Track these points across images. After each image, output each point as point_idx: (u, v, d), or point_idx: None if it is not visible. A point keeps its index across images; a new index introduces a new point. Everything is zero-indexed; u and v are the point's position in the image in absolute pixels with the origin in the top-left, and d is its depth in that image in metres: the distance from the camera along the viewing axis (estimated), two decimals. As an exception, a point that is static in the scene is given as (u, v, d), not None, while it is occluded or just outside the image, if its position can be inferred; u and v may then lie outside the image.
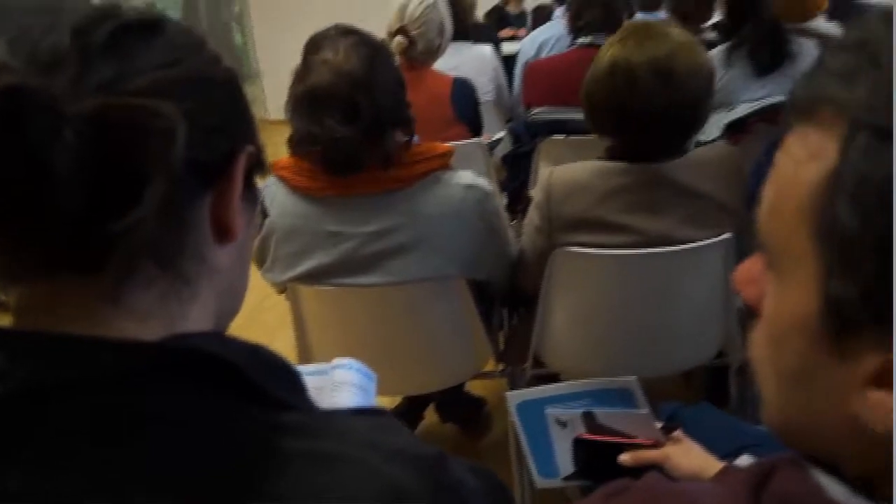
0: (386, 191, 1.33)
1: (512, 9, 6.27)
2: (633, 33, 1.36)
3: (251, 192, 0.54)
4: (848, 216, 0.34)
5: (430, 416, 2.17)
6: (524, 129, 2.67)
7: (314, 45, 1.32)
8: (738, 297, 1.59)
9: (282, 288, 1.47)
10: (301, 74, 1.30)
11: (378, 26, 2.43)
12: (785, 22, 2.97)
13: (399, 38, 2.33)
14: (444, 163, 1.38)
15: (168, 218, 0.43)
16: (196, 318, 0.48)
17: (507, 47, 5.05)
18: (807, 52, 2.33)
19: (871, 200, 0.33)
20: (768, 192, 0.41)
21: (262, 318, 2.50)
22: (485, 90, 3.10)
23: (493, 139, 2.72)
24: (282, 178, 1.36)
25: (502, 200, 2.76)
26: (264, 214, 0.58)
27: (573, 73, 2.35)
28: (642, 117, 1.31)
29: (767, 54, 2.26)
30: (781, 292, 0.40)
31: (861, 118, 0.34)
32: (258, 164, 0.54)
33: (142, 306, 0.45)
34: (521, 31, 6.04)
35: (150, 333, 0.44)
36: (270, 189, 1.37)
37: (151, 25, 0.46)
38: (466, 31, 3.15)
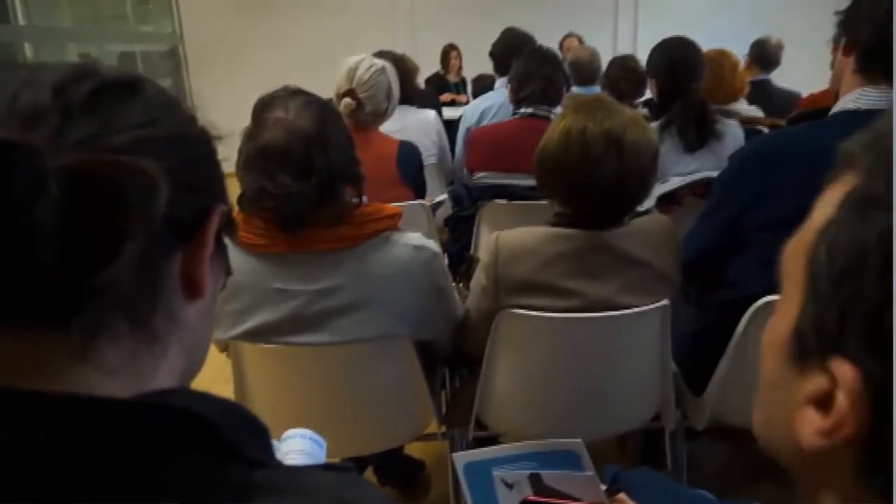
0: (335, 249, 1.33)
1: (451, 77, 6.47)
2: (585, 105, 1.44)
3: (221, 250, 0.55)
4: (821, 260, 0.40)
5: (369, 478, 2.12)
6: (465, 193, 2.73)
7: (264, 105, 1.34)
8: (672, 361, 1.64)
9: (223, 346, 1.44)
10: (252, 133, 1.31)
11: (320, 85, 2.47)
12: (711, 103, 3.20)
13: (347, 100, 2.38)
14: (392, 223, 1.40)
15: (142, 274, 0.43)
16: (164, 374, 0.48)
17: (448, 112, 5.21)
18: (731, 132, 2.49)
19: (839, 255, 0.39)
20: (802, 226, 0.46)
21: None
22: (428, 153, 3.17)
23: (436, 201, 2.77)
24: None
25: (444, 262, 2.80)
26: (229, 272, 0.58)
27: (514, 142, 2.46)
28: (594, 185, 1.37)
29: (694, 133, 2.41)
30: (780, 309, 0.45)
31: (860, 183, 0.39)
32: (229, 223, 0.54)
33: (112, 362, 0.44)
34: (462, 97, 6.24)
35: (119, 390, 0.43)
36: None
37: (130, 85, 0.47)
38: (411, 95, 3.22)
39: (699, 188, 2.36)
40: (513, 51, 3.18)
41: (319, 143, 1.28)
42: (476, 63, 5.65)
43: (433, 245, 1.44)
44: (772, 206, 1.43)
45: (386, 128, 2.64)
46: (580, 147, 1.37)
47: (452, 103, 6.13)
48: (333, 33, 7.65)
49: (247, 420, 0.47)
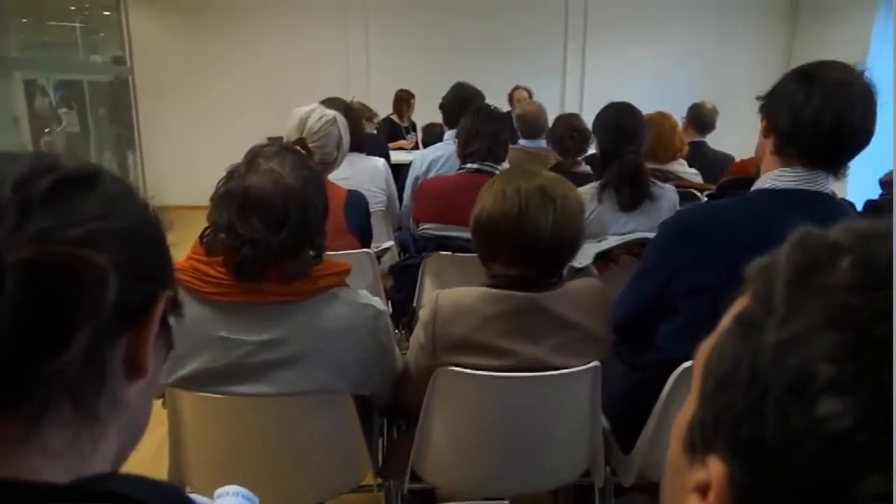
0: (284, 302, 1.36)
1: (404, 122, 6.59)
2: (512, 171, 1.54)
3: (165, 331, 0.57)
4: (710, 365, 0.44)
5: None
6: (412, 240, 2.79)
7: (263, 153, 1.39)
8: (602, 419, 1.71)
9: (159, 392, 1.44)
10: (241, 173, 1.35)
11: (272, 125, 2.51)
12: (651, 162, 3.36)
13: (297, 149, 2.42)
14: (341, 280, 1.44)
15: (89, 360, 0.46)
16: (103, 454, 0.50)
17: (396, 156, 5.29)
18: (667, 195, 2.63)
19: (720, 365, 0.43)
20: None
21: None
22: (376, 200, 3.23)
23: (381, 248, 2.81)
24: (178, 281, 1.35)
25: (388, 309, 2.83)
26: (170, 346, 0.61)
27: (460, 196, 2.53)
28: (533, 238, 1.44)
29: (629, 193, 2.53)
30: (687, 399, 0.49)
31: (748, 305, 0.44)
32: (174, 306, 0.57)
33: (54, 445, 0.46)
34: (409, 141, 6.35)
35: (60, 472, 0.46)
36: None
37: (89, 177, 0.50)
38: (360, 142, 3.28)
39: (634, 248, 2.47)
40: (462, 105, 3.30)
41: (300, 204, 1.33)
42: (427, 109, 5.78)
43: (378, 303, 1.48)
44: (695, 274, 1.52)
45: (335, 175, 2.68)
46: (517, 203, 1.45)
47: (400, 149, 6.24)
48: (288, 72, 7.71)
49: (177, 499, 0.49)
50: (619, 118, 2.64)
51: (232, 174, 1.35)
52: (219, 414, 1.42)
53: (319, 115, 2.55)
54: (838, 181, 1.56)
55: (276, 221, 1.31)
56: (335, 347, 1.39)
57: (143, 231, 0.53)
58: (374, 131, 5.24)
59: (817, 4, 7.10)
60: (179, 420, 1.46)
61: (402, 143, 6.39)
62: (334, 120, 2.58)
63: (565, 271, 1.70)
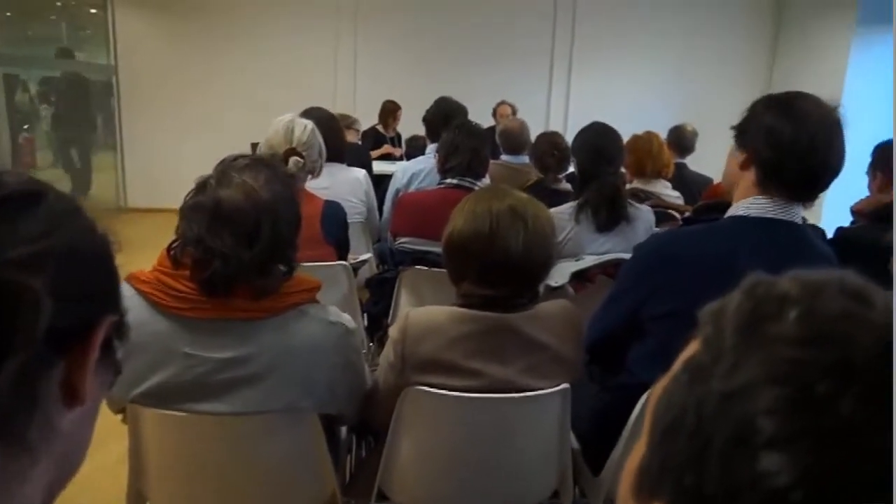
0: (251, 319, 1.34)
1: (389, 133, 6.58)
2: (484, 191, 1.55)
3: (108, 356, 0.55)
4: (659, 410, 0.44)
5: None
6: (389, 254, 2.77)
7: (235, 165, 1.36)
8: (572, 440, 1.70)
9: (119, 407, 1.40)
10: (211, 184, 1.32)
11: (259, 128, 2.49)
12: (637, 178, 3.39)
13: (296, 159, 2.42)
14: (310, 296, 1.41)
15: (20, 387, 0.44)
16: (34, 485, 0.48)
17: (381, 166, 5.27)
18: (643, 216, 2.64)
19: (668, 411, 0.43)
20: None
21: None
22: (356, 211, 3.21)
23: (359, 259, 2.80)
24: (141, 293, 1.33)
25: (363, 322, 2.81)
26: (118, 371, 0.59)
27: (438, 211, 2.50)
28: (504, 257, 1.43)
29: (606, 213, 2.54)
30: (639, 441, 0.49)
31: (698, 350, 0.43)
32: (119, 331, 0.55)
33: None
34: (396, 151, 6.34)
35: None
36: (125, 301, 1.33)
37: (32, 195, 0.48)
38: (341, 153, 3.26)
39: (610, 268, 2.48)
40: (444, 120, 3.30)
41: (272, 218, 1.31)
42: (413, 120, 5.78)
43: (348, 321, 1.46)
44: (666, 299, 1.52)
45: (315, 185, 2.66)
46: (488, 222, 1.44)
47: (387, 157, 6.22)
48: (276, 77, 7.68)
49: None
50: (597, 140, 2.66)
51: (202, 185, 1.33)
52: (180, 431, 1.39)
53: (303, 124, 2.54)
54: (807, 209, 1.57)
55: (248, 236, 1.28)
56: (302, 365, 1.37)
57: (86, 252, 0.51)
58: (357, 141, 5.23)
59: (797, 34, 7.23)
60: (140, 436, 1.43)
61: (388, 149, 6.37)
62: (314, 129, 2.57)
63: (541, 289, 1.70)
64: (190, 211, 1.31)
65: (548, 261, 1.51)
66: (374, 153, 5.98)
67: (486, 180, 3.12)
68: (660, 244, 1.64)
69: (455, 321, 1.46)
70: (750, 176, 1.54)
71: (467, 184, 2.59)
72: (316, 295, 1.44)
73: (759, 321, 0.40)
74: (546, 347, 1.49)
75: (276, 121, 2.55)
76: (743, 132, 1.54)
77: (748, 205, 1.53)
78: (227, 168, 1.35)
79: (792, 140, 1.44)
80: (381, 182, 3.98)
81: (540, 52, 7.76)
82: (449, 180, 2.62)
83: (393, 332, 1.51)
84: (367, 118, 6.41)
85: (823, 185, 1.49)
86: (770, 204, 1.51)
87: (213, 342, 1.32)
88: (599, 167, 2.57)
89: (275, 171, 1.39)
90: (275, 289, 1.34)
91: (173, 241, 1.34)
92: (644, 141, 3.43)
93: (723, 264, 1.48)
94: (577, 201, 2.59)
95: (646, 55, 7.77)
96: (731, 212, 1.58)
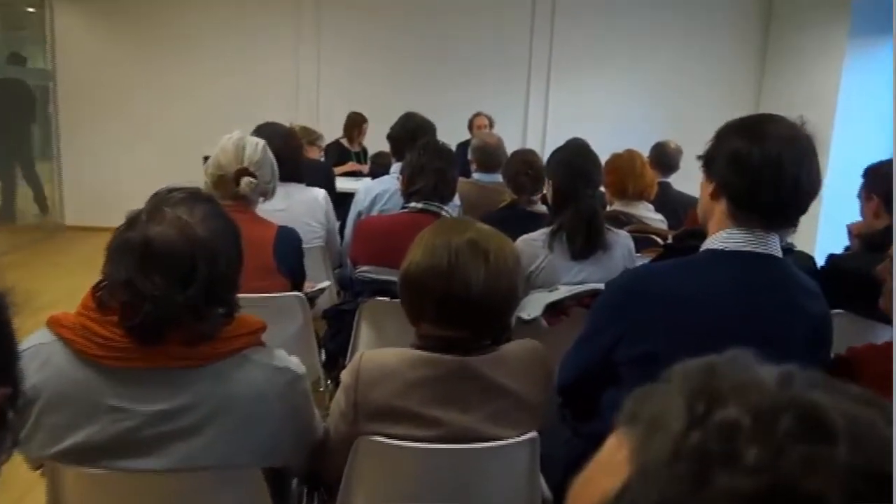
0: (186, 367, 1.32)
1: (354, 147, 6.58)
2: (443, 224, 1.55)
3: (2, 428, 0.54)
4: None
5: None
6: (349, 282, 2.76)
7: (169, 198, 1.34)
8: (544, 487, 1.69)
9: (37, 464, 1.37)
10: (142, 220, 1.30)
11: (212, 145, 2.49)
12: (618, 200, 3.42)
13: (248, 179, 2.41)
14: (254, 340, 1.40)
15: None
16: None
17: (344, 184, 5.25)
18: (620, 241, 2.66)
19: None
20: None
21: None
22: (314, 235, 3.20)
23: (317, 288, 2.78)
24: (63, 340, 1.31)
25: (320, 357, 2.79)
26: (14, 443, 0.58)
27: (401, 237, 2.49)
28: (465, 294, 1.43)
29: (582, 240, 2.56)
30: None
31: (630, 476, 0.43)
32: (13, 402, 0.54)
33: None
34: (363, 167, 6.33)
35: None
36: (46, 347, 1.31)
37: None
38: (298, 172, 3.25)
39: (587, 299, 2.49)
40: (411, 137, 3.31)
41: (209, 259, 1.29)
42: (381, 133, 5.77)
43: (296, 365, 1.45)
44: (638, 342, 1.53)
45: (270, 206, 2.66)
46: (447, 257, 1.44)
47: (353, 174, 6.22)
48: (230, 85, 7.65)
49: None
50: (574, 158, 2.68)
51: (132, 221, 1.31)
52: (105, 491, 1.35)
53: (254, 142, 2.55)
54: (789, 235, 1.59)
55: (182, 277, 1.26)
56: (242, 416, 1.35)
57: None
58: (321, 156, 5.22)
59: (787, 45, 7.38)
60: (60, 497, 1.38)
61: (353, 165, 6.36)
62: (266, 147, 2.58)
63: (513, 320, 1.70)
64: (117, 249, 1.29)
65: (512, 298, 1.51)
66: (339, 169, 5.98)
67: (456, 202, 3.14)
68: (631, 281, 1.65)
69: (411, 365, 1.45)
70: (721, 206, 1.55)
71: (433, 208, 2.59)
72: (261, 337, 1.43)
73: (707, 467, 0.38)
74: (511, 393, 1.49)
75: (225, 139, 2.54)
76: (709, 160, 1.55)
77: (724, 238, 1.54)
78: (160, 202, 1.33)
79: (758, 163, 1.45)
80: (345, 201, 3.97)
81: (516, 63, 7.83)
82: (413, 204, 2.62)
83: (345, 376, 1.50)
84: (331, 131, 6.42)
85: (798, 209, 1.51)
86: (745, 236, 1.53)
87: (143, 394, 1.30)
88: (576, 188, 2.59)
89: (213, 205, 1.37)
90: (213, 333, 1.32)
91: (99, 283, 1.32)
92: (625, 160, 3.47)
93: (697, 304, 1.49)
94: (551, 227, 2.60)
95: (628, 66, 7.87)
96: (706, 245, 1.59)
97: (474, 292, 1.43)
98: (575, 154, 2.74)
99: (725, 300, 1.49)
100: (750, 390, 0.41)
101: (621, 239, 2.67)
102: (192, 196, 1.36)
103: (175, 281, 1.26)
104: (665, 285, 1.54)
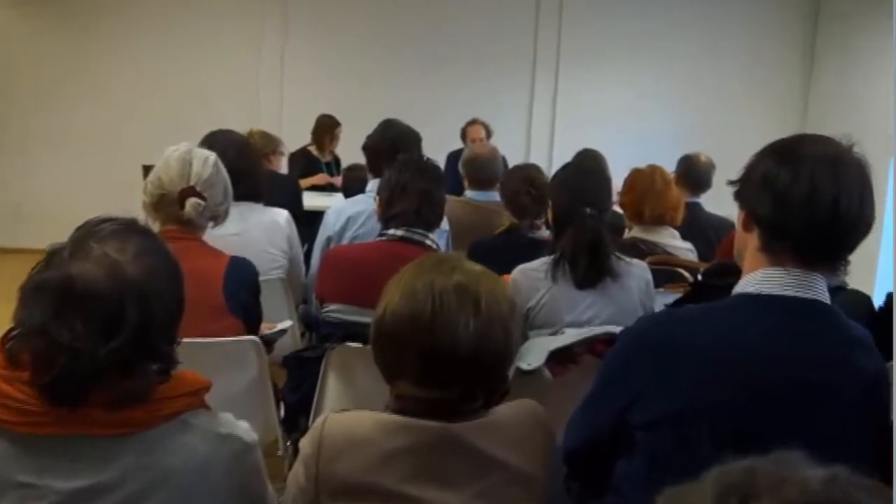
0: (111, 436, 1.30)
1: (325, 156, 6.57)
2: (427, 261, 1.54)
3: None
4: None
5: None
6: (315, 323, 2.76)
7: (98, 231, 1.33)
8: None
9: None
10: (66, 256, 1.29)
11: (161, 149, 2.49)
12: (635, 225, 3.44)
13: (195, 201, 2.41)
14: (194, 402, 1.38)
15: None
16: None
17: (314, 200, 5.24)
18: (634, 272, 2.70)
19: None
20: None
21: None
22: (274, 264, 3.20)
23: (277, 329, 2.76)
24: None
25: (279, 413, 2.77)
26: None
27: (377, 271, 2.47)
28: (451, 349, 1.42)
29: (585, 266, 2.59)
30: None
31: None
32: None
33: None
34: (336, 180, 6.32)
35: None
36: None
37: None
38: (256, 189, 3.24)
39: (599, 345, 2.49)
40: (391, 149, 3.31)
41: (141, 303, 1.28)
42: (356, 141, 5.74)
43: (245, 432, 1.43)
44: (657, 403, 1.52)
45: (221, 232, 2.66)
46: (429, 303, 1.44)
47: (328, 188, 6.21)
48: (182, 84, 7.68)
49: None
50: (575, 177, 2.74)
51: (52, 257, 1.30)
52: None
53: (203, 156, 2.55)
54: (840, 275, 1.60)
55: (107, 325, 1.25)
56: (179, 495, 1.33)
57: None
58: (283, 168, 5.22)
59: (839, 37, 7.44)
60: None
61: (323, 178, 6.35)
62: (217, 162, 2.58)
63: (510, 373, 1.69)
64: (32, 291, 1.28)
65: (507, 353, 1.51)
66: (306, 182, 5.99)
67: (444, 227, 3.15)
68: (651, 329, 1.65)
69: (386, 432, 1.44)
70: (754, 240, 1.57)
71: (416, 236, 2.60)
72: (204, 398, 1.42)
73: None
74: (505, 466, 1.48)
75: (170, 151, 2.55)
76: (740, 187, 1.58)
77: (760, 281, 1.55)
78: (86, 235, 1.32)
79: (786, 185, 1.47)
80: (314, 220, 3.98)
81: (519, 59, 7.87)
82: (392, 231, 2.62)
83: (304, 444, 1.49)
84: (298, 137, 6.44)
85: (842, 242, 1.52)
86: (784, 277, 1.54)
87: (59, 467, 1.28)
88: (575, 208, 2.64)
89: (151, 239, 1.37)
90: (144, 394, 1.31)
91: (9, 331, 1.31)
92: (643, 176, 3.50)
93: (727, 358, 1.50)
94: (552, 255, 2.64)
95: (652, 63, 7.92)
96: (738, 288, 1.60)
97: (463, 347, 1.42)
98: (576, 172, 2.78)
99: (761, 356, 1.49)
100: (788, 488, 0.43)
101: (636, 269, 2.70)
102: (125, 228, 1.35)
103: (99, 330, 1.25)
104: (692, 336, 1.54)
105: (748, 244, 1.60)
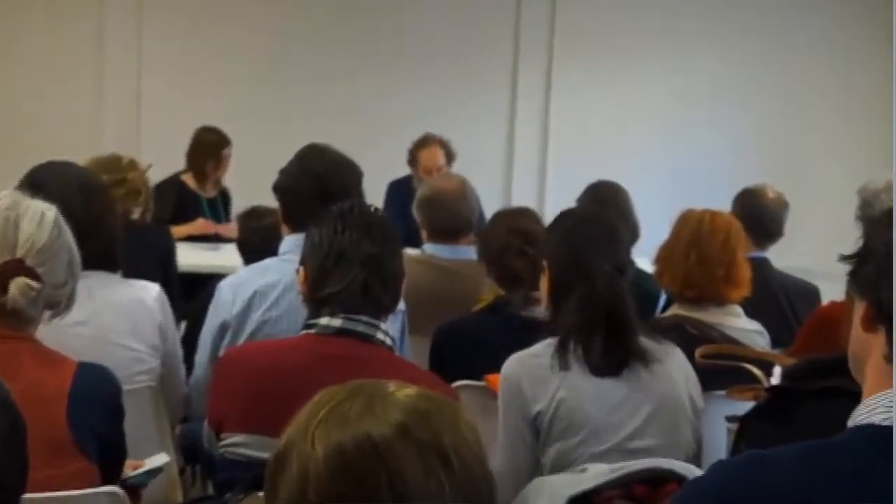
0: None
1: (207, 191, 6.52)
2: (352, 393, 1.42)
3: None
4: None
5: None
6: (209, 463, 2.72)
7: None
8: None
9: None
10: None
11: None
12: (682, 302, 3.47)
13: (24, 281, 2.35)
14: None
15: None
16: None
17: (194, 257, 5.20)
18: (671, 353, 2.79)
19: None
20: None
21: None
22: (141, 368, 3.16)
23: (144, 470, 2.73)
24: None
25: None
26: None
27: (302, 383, 2.47)
28: None
29: (602, 343, 2.66)
30: None
31: None
32: None
33: None
34: (226, 228, 6.24)
35: None
36: None
37: None
38: (112, 251, 3.21)
39: (638, 488, 2.48)
40: (320, 194, 3.29)
41: None
42: (254, 169, 5.73)
43: None
44: None
45: (62, 324, 2.61)
46: (383, 476, 1.38)
47: (212, 238, 6.18)
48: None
49: None
50: (576, 227, 2.90)
51: None
52: None
53: (38, 212, 2.49)
54: None
55: None
56: None
57: None
58: (143, 213, 5.11)
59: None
60: None
61: (204, 224, 6.30)
62: (59, 220, 2.54)
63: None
64: None
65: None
66: (179, 231, 5.92)
67: (401, 308, 3.14)
68: (724, 483, 1.63)
69: None
70: (880, 345, 1.57)
71: (362, 328, 2.58)
72: None
73: None
74: None
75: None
76: (858, 268, 1.59)
77: (888, 404, 1.56)
78: None
79: None
80: (196, 290, 3.94)
81: (494, 54, 7.97)
82: (326, 321, 2.60)
83: None
84: (164, 161, 6.38)
85: None
86: None
87: None
88: (582, 274, 2.74)
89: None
90: None
91: None
92: (694, 226, 3.50)
93: None
94: (553, 341, 2.70)
95: (686, 53, 8.08)
96: (858, 415, 1.60)
97: None
98: (580, 221, 2.86)
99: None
100: None
101: (669, 350, 2.79)
102: None
103: None
104: (782, 489, 1.54)
105: (871, 349, 1.60)
